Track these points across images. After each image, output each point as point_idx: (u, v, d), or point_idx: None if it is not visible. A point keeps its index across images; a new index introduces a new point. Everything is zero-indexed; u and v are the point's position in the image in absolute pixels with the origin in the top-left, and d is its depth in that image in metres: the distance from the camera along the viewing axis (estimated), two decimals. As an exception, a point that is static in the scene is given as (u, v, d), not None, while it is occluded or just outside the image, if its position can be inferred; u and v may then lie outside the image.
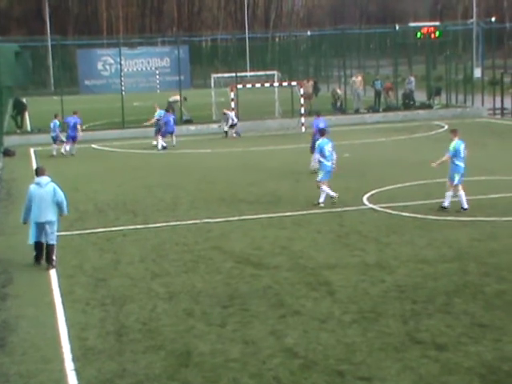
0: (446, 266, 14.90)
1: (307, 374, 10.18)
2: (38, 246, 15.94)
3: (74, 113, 34.43)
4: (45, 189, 15.68)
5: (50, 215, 15.68)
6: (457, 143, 19.18)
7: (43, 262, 15.95)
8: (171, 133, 34.96)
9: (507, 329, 11.48)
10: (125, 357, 10.94)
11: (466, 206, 19.03)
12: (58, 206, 15.79)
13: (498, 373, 9.99)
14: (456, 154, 18.97)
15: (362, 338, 11.29)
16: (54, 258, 15.89)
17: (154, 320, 12.42)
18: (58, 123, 34.07)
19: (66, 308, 13.19)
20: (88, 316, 12.76)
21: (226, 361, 10.67)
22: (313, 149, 23.18)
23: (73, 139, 33.77)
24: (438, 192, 21.71)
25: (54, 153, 33.61)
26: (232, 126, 38.58)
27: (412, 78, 48.10)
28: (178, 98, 44.02)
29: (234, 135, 38.46)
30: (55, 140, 33.89)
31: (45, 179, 15.85)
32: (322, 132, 21.39)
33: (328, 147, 20.48)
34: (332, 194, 20.52)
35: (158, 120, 35.27)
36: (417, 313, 12.29)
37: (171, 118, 35.30)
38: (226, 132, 38.47)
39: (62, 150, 33.80)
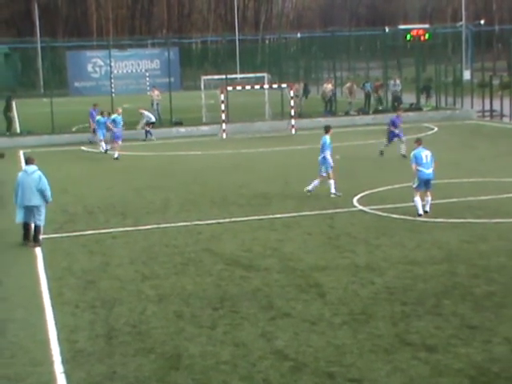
0: (435, 267, 14.92)
1: (297, 377, 10.17)
2: (26, 226, 17.61)
3: (100, 110, 35.37)
4: (31, 176, 17.29)
5: (35, 200, 17.26)
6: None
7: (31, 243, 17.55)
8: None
9: (496, 330, 11.51)
10: (114, 359, 10.91)
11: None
12: (41, 192, 17.25)
13: (488, 374, 10.01)
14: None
15: (353, 340, 11.29)
16: (41, 237, 17.56)
17: (143, 322, 12.39)
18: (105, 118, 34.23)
19: (56, 310, 13.15)
20: (77, 318, 12.72)
21: (216, 363, 10.66)
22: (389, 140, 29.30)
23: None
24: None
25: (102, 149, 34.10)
26: (149, 124, 38.65)
27: (398, 81, 48.25)
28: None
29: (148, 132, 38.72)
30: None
31: (32, 168, 17.48)
32: (418, 142, 20.09)
33: (424, 154, 19.46)
34: (420, 210, 19.19)
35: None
36: (407, 315, 12.31)
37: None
38: (147, 132, 38.62)
39: (101, 149, 34.18)
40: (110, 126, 33.28)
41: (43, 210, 17.57)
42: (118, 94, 52.84)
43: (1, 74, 74.85)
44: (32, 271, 15.76)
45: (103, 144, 34.25)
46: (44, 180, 17.39)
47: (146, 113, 39.30)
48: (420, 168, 19.26)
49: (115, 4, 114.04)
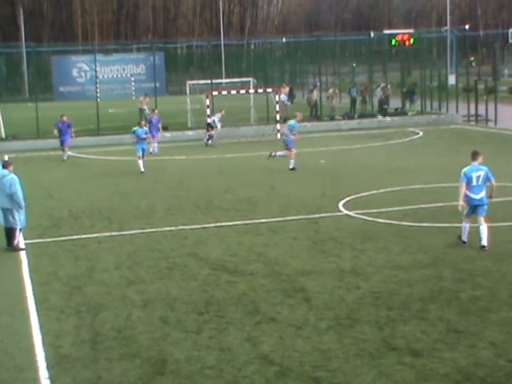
0: (421, 272, 14.95)
1: (283, 382, 10.16)
2: (6, 230, 17.88)
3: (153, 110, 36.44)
4: (2, 180, 17.57)
5: (5, 203, 17.54)
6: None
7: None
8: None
9: (482, 335, 11.53)
10: (100, 365, 10.87)
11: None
12: (11, 196, 17.46)
13: (473, 379, 10.02)
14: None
15: (338, 345, 11.29)
16: (16, 241, 17.63)
17: (129, 328, 12.35)
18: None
19: (41, 316, 13.09)
20: (62, 324, 12.66)
21: (201, 368, 10.63)
22: None
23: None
24: (413, 198, 21.86)
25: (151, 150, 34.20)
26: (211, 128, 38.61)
27: (382, 85, 48.45)
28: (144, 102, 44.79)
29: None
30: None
31: (5, 172, 17.79)
32: (473, 156, 16.74)
33: (475, 175, 16.35)
34: (464, 237, 16.80)
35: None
36: (392, 319, 12.32)
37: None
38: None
39: (151, 150, 34.28)
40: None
41: (16, 214, 17.53)
42: (103, 98, 52.88)
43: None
44: (17, 276, 15.69)
45: (155, 145, 34.97)
46: (14, 185, 17.41)
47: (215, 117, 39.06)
48: (468, 193, 16.33)
49: (100, 9, 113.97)
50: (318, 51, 52.69)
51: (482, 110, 43.86)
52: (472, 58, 57.28)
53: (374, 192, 23.19)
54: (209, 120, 38.39)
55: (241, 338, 11.71)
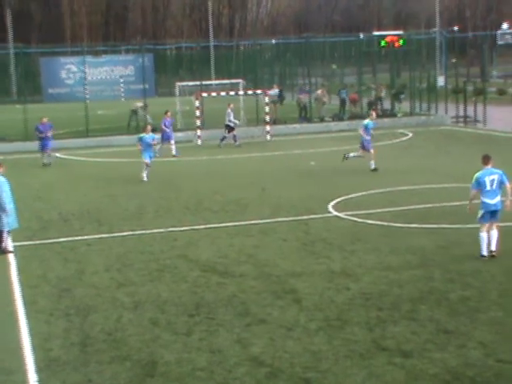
0: (410, 272, 14.97)
1: (273, 383, 10.15)
2: None
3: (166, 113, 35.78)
4: None
5: None
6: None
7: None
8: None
9: (471, 335, 11.55)
10: (90, 368, 10.84)
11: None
12: None
13: (463, 379, 10.05)
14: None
15: (328, 346, 11.29)
16: (3, 244, 17.52)
17: (119, 330, 12.32)
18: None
19: (29, 318, 13.04)
20: (52, 326, 12.62)
21: (192, 370, 10.62)
22: None
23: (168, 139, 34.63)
24: (402, 199, 21.90)
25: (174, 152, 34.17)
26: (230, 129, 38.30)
27: (373, 86, 48.58)
28: (139, 104, 44.18)
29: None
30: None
31: None
32: (484, 160, 16.10)
33: (489, 179, 15.70)
34: (484, 251, 15.72)
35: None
36: (382, 320, 12.33)
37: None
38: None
39: (174, 152, 34.25)
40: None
41: (4, 216, 17.30)
42: (92, 100, 52.66)
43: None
44: (5, 279, 15.63)
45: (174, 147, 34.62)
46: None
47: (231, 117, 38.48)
48: (483, 198, 15.67)
49: (89, 10, 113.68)
50: (307, 53, 52.70)
51: (470, 111, 43.98)
52: (454, 60, 57.45)
53: (364, 193, 23.21)
54: (226, 122, 38.06)
55: (231, 339, 11.70)
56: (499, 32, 69.75)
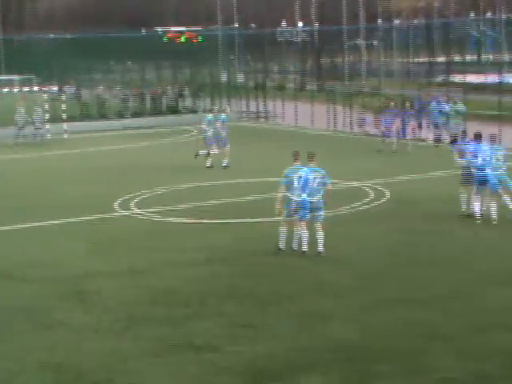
0: (199, 269, 14.98)
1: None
2: None
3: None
4: None
5: None
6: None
7: None
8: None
9: (263, 326, 11.70)
10: None
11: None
12: None
13: (253, 369, 10.14)
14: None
15: (120, 345, 11.06)
16: None
17: None
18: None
19: None
20: None
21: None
22: None
23: None
24: (189, 197, 21.88)
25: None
26: None
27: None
28: None
29: None
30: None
31: None
32: (294, 156, 15.82)
33: (296, 176, 15.42)
34: (281, 244, 15.70)
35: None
36: (172, 316, 12.26)
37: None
38: None
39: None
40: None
41: None
42: None
43: None
44: None
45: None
46: None
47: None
48: (289, 194, 15.47)
49: None
50: (85, 49, 51.23)
51: (253, 106, 45.19)
52: (232, 57, 58.92)
53: (151, 191, 23.01)
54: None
55: (16, 347, 11.16)
56: (278, 29, 71.60)
